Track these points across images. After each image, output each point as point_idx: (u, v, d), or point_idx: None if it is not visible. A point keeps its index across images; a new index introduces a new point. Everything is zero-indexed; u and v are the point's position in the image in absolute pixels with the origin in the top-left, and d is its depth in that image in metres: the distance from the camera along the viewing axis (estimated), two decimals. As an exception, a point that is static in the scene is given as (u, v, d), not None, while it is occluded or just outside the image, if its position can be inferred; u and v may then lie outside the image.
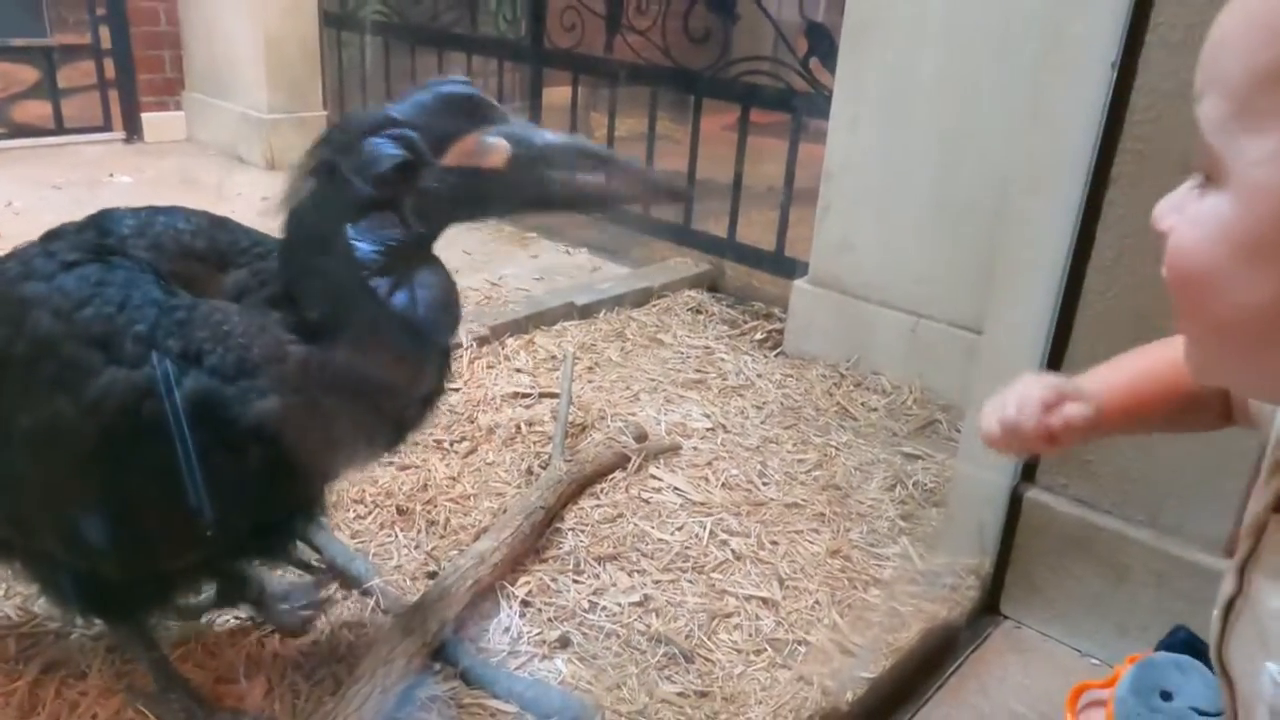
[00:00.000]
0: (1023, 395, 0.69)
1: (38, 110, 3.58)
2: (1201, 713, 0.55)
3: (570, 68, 2.80)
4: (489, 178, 0.82)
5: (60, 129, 3.62)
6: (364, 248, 0.81)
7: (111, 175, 3.31)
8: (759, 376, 1.98)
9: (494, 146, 0.81)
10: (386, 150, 0.80)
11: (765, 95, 2.36)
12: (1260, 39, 0.43)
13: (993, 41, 1.67)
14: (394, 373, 0.85)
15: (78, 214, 0.98)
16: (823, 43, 2.19)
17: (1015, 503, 1.31)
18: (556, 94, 3.01)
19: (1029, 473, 1.31)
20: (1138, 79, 1.10)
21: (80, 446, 0.80)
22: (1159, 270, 1.13)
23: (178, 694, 0.99)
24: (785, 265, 2.34)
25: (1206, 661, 0.58)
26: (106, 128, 3.74)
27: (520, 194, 0.85)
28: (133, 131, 3.78)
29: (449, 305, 0.86)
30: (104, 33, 3.64)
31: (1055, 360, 1.25)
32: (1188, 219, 0.49)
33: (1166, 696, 0.56)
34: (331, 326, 0.84)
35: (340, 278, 0.82)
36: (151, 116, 3.80)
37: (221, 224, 0.97)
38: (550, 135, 0.84)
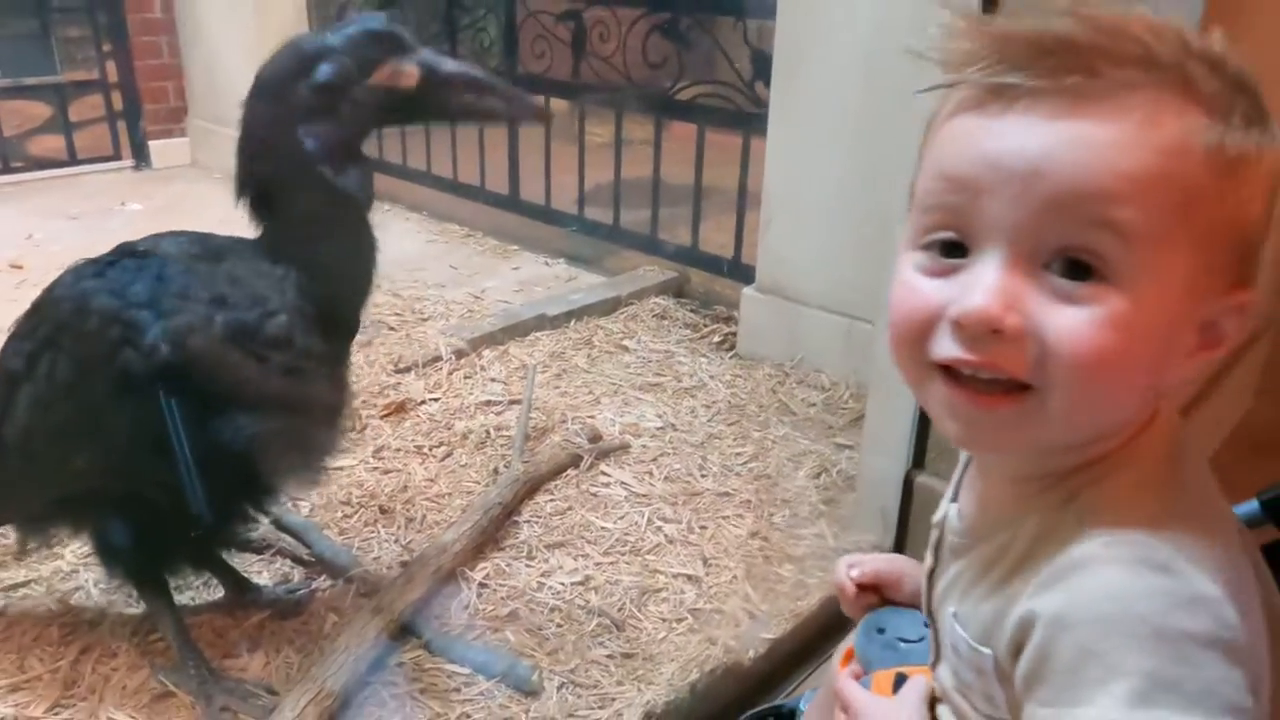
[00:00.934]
0: (836, 572, 0.85)
1: (51, 144, 3.82)
2: (904, 640, 0.75)
3: (541, 91, 3.00)
4: (403, 94, 1.08)
5: (73, 160, 3.85)
6: (309, 141, 1.06)
7: (123, 203, 3.54)
8: (711, 378, 2.19)
9: (407, 71, 1.07)
10: (326, 70, 1.06)
11: (718, 114, 2.56)
12: (1182, 193, 0.51)
13: (901, 76, 1.86)
14: (335, 234, 1.12)
15: (93, 242, 1.22)
16: (766, 68, 2.38)
17: (908, 486, 1.51)
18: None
19: (919, 460, 1.51)
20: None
21: (148, 387, 1.04)
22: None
23: (194, 664, 1.21)
24: (743, 271, 2.53)
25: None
26: (116, 157, 3.98)
27: (427, 107, 1.13)
28: (140, 159, 4.01)
29: (367, 180, 1.12)
30: (111, 67, 3.88)
31: (932, 364, 1.45)
32: (1093, 322, 0.52)
33: (881, 631, 0.77)
34: (283, 204, 1.10)
35: (289, 160, 1.08)
36: (158, 144, 4.03)
37: (209, 236, 1.21)
38: (451, 63, 1.11)
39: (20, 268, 2.85)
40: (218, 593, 1.38)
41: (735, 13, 2.46)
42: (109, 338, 1.06)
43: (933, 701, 0.69)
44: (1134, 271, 0.52)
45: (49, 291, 1.16)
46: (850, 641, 0.81)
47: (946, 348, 0.56)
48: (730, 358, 2.32)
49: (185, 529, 1.19)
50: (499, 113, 1.16)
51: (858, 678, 0.75)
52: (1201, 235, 0.53)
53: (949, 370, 0.56)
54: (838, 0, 1.96)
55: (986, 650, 0.60)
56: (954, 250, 0.56)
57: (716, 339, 2.43)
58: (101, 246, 1.17)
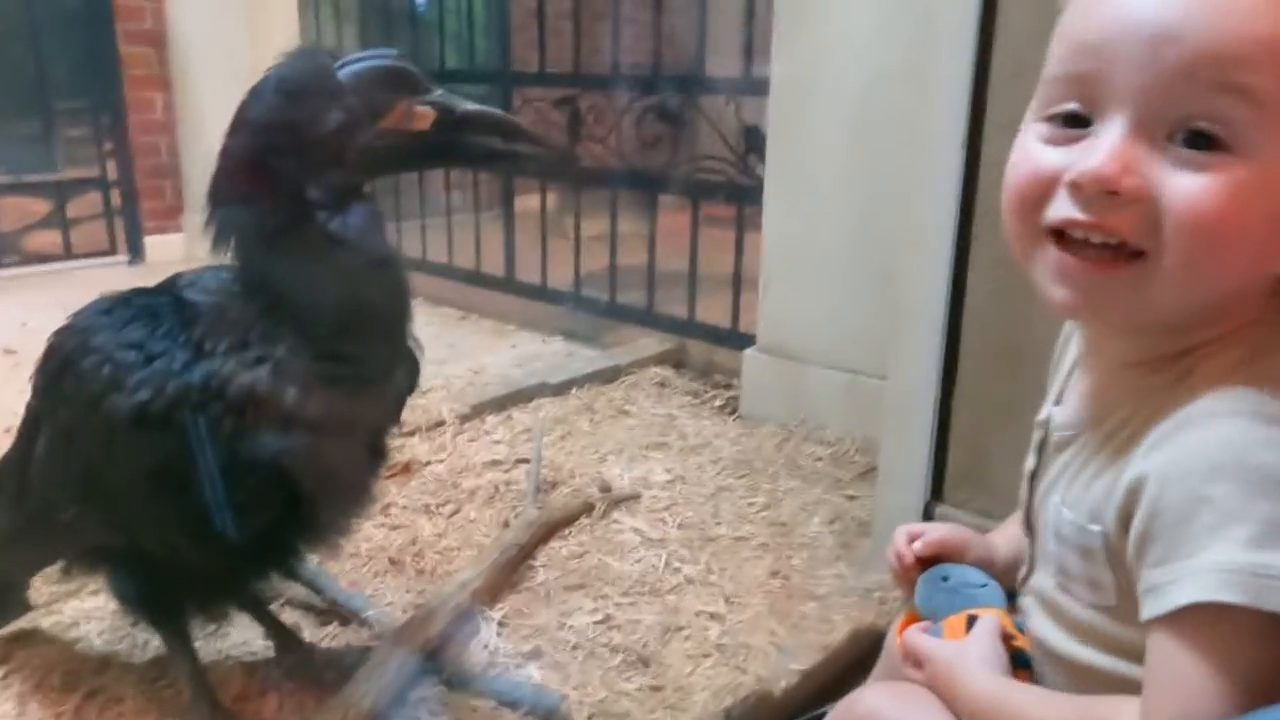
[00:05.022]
0: (895, 543, 0.85)
1: (48, 239, 3.85)
2: (970, 585, 0.74)
3: (537, 175, 3.09)
4: (416, 138, 1.00)
5: (68, 255, 3.88)
6: (310, 191, 0.97)
7: (117, 294, 3.56)
8: (716, 437, 2.19)
9: (420, 113, 1.00)
10: (332, 118, 0.96)
11: (713, 189, 2.65)
12: None
13: (888, 133, 1.94)
14: (342, 285, 1.00)
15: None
16: (758, 142, 2.47)
17: (928, 518, 1.50)
18: (527, 201, 3.33)
19: (937, 491, 1.51)
20: (983, 155, 1.36)
21: (124, 437, 0.99)
22: (1024, 307, 1.35)
23: (205, 704, 1.16)
24: (741, 340, 2.56)
25: None
26: (111, 252, 4.02)
27: (442, 153, 1.05)
28: (135, 254, 4.05)
29: (374, 226, 1.02)
30: (111, 165, 3.96)
31: (946, 393, 1.46)
32: (1212, 188, 0.51)
33: (945, 579, 0.76)
34: (274, 256, 0.99)
35: (285, 212, 0.98)
36: (153, 240, 4.08)
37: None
38: (469, 104, 1.02)
39: (14, 352, 2.85)
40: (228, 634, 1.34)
41: (726, 90, 2.58)
42: (98, 379, 1.01)
43: (1006, 638, 0.67)
44: (1260, 142, 0.51)
45: (69, 320, 1.15)
46: (904, 614, 0.80)
47: (1061, 209, 0.57)
48: (733, 420, 2.32)
49: (195, 580, 1.15)
50: (519, 157, 1.10)
51: (925, 631, 0.73)
52: None
53: (1062, 236, 0.57)
54: (829, 63, 2.06)
55: (1096, 528, 0.59)
56: (1077, 123, 0.57)
57: (718, 403, 2.44)
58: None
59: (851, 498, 1.90)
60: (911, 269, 1.49)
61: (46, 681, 1.25)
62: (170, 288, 1.12)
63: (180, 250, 4.14)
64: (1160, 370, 0.60)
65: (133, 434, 1.00)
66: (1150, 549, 0.53)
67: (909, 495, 1.52)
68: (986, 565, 0.78)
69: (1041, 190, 0.58)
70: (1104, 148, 0.54)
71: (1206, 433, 0.53)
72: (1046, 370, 1.33)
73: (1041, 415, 0.72)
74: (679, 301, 2.82)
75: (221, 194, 1.02)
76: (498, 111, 1.07)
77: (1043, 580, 0.66)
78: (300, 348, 1.00)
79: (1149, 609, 0.53)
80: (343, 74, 0.99)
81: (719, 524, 1.74)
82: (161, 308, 1.07)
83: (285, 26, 3.80)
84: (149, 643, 1.33)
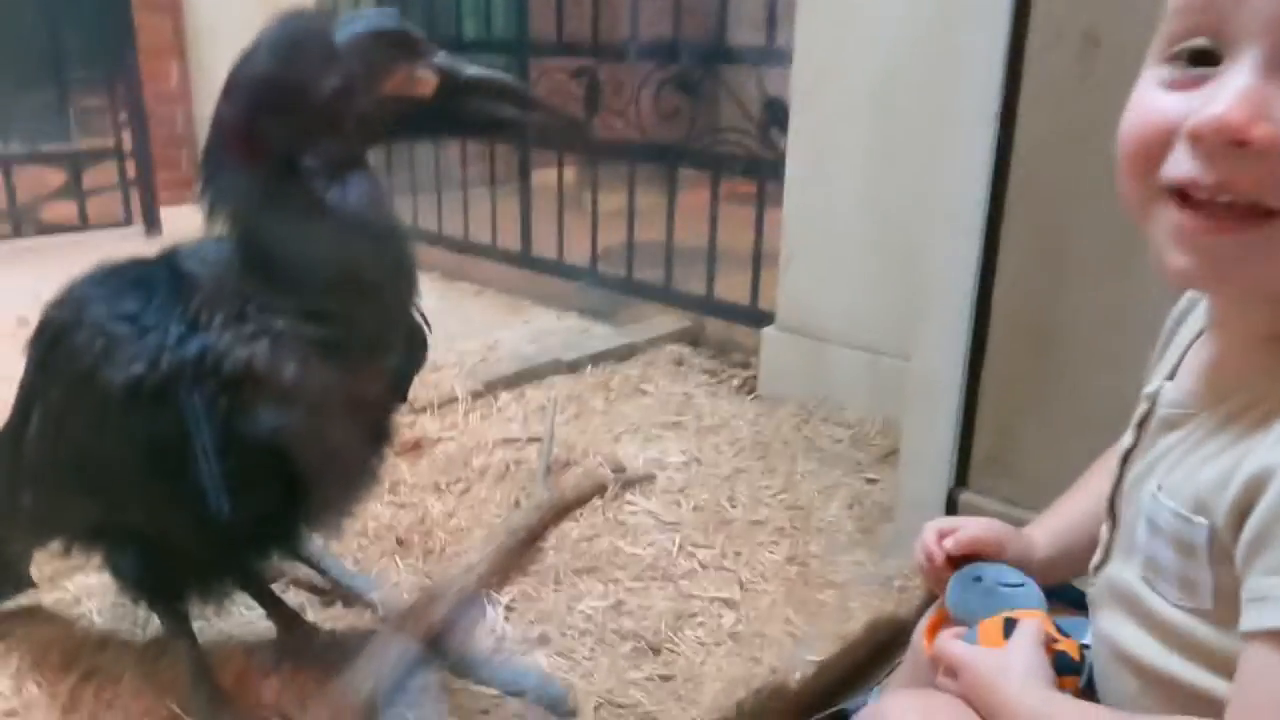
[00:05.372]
0: (924, 540, 0.78)
1: (63, 210, 3.83)
2: (1006, 585, 0.69)
3: (555, 147, 3.03)
4: (418, 105, 0.95)
5: (84, 225, 3.87)
6: (307, 160, 0.92)
7: (132, 266, 3.55)
8: (734, 417, 2.14)
9: (422, 78, 0.95)
10: (330, 84, 0.91)
11: (733, 163, 2.58)
12: None
13: (915, 105, 1.87)
14: (340, 257, 0.95)
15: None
16: (780, 115, 2.40)
17: (951, 505, 1.45)
18: (544, 175, 3.27)
19: (962, 476, 1.46)
20: (1017, 128, 1.29)
21: (111, 408, 0.97)
22: (1056, 286, 1.29)
23: (205, 686, 1.13)
24: (761, 318, 2.50)
25: None
26: (127, 223, 4.00)
27: (445, 120, 1.00)
28: (151, 224, 4.03)
29: (374, 196, 0.97)
30: (126, 136, 3.93)
31: (973, 375, 1.40)
32: None
33: (979, 578, 0.71)
34: (269, 227, 0.95)
35: (280, 184, 0.93)
36: (169, 210, 4.05)
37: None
38: (473, 69, 0.97)
39: (29, 323, 2.85)
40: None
41: (748, 61, 2.50)
42: (91, 352, 0.98)
43: (1048, 642, 0.62)
44: None
45: (63, 291, 1.10)
46: (932, 614, 0.75)
47: (1180, 166, 0.49)
48: (751, 400, 2.27)
49: (194, 559, 1.13)
50: (526, 125, 1.07)
51: (958, 635, 0.68)
52: None
53: (1183, 195, 0.50)
54: (854, 32, 1.98)
55: (1200, 520, 0.52)
56: (1204, 61, 0.50)
57: (736, 383, 2.38)
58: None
59: (872, 481, 1.85)
60: (939, 246, 1.43)
61: (45, 659, 1.23)
62: (167, 258, 1.08)
63: (197, 221, 4.10)
64: None
65: (126, 409, 0.97)
66: (1266, 553, 0.47)
67: (932, 481, 1.47)
68: (1023, 563, 0.72)
69: (1159, 143, 0.50)
70: (1231, 90, 0.47)
71: None
72: (1079, 351, 1.28)
73: (1149, 388, 0.64)
74: (697, 278, 2.76)
75: (215, 162, 0.98)
76: (504, 76, 1.02)
77: (1123, 572, 0.59)
78: (299, 321, 0.97)
79: (1252, 619, 0.47)
80: (340, 37, 0.94)
81: (735, 507, 1.69)
82: (157, 279, 1.03)
83: (301, -5, 3.75)
84: (150, 621, 1.31)
